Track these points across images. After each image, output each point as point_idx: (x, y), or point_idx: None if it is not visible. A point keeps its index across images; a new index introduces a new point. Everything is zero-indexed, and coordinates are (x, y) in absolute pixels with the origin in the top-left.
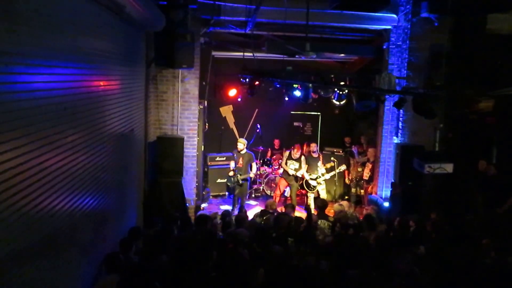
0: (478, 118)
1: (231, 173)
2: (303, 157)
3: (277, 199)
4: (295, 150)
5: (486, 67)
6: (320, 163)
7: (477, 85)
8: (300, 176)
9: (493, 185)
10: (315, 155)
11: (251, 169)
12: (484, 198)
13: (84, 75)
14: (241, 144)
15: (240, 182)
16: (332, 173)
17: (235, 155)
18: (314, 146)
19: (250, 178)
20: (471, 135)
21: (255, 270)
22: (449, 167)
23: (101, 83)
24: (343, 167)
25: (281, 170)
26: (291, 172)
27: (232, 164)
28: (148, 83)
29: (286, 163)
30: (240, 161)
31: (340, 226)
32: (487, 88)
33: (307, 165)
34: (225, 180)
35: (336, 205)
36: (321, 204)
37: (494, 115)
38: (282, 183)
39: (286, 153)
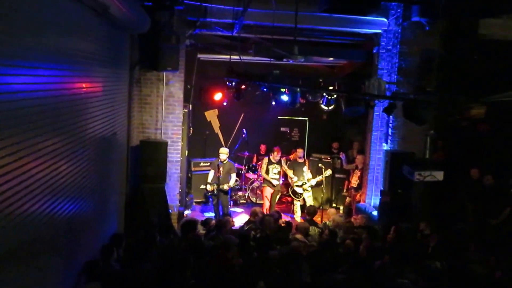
0: (470, 125)
1: (209, 187)
2: (283, 160)
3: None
4: (275, 153)
5: (478, 73)
6: (306, 169)
7: (469, 91)
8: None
9: (486, 194)
10: (300, 160)
11: (230, 179)
12: (476, 207)
13: (66, 76)
14: (224, 154)
15: (215, 191)
16: (318, 178)
17: (219, 163)
18: (300, 152)
19: (229, 189)
20: (463, 143)
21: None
22: (439, 175)
23: (84, 85)
24: (329, 172)
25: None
26: (275, 182)
27: (210, 174)
28: (131, 85)
29: (267, 171)
30: (220, 171)
31: (328, 233)
32: (479, 95)
33: (292, 171)
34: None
35: (331, 210)
36: (310, 210)
37: (487, 122)
38: (267, 191)
39: (265, 160)
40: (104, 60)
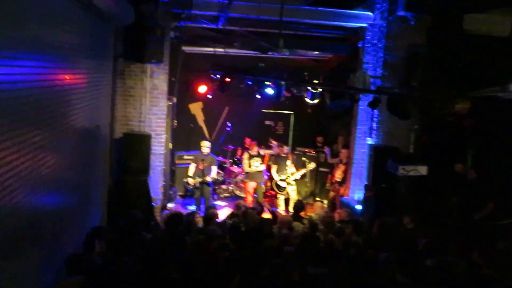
0: (455, 120)
1: (190, 181)
2: (262, 151)
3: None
4: (251, 146)
5: (463, 68)
6: (289, 162)
7: (453, 86)
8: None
9: (470, 189)
10: (284, 155)
11: (211, 172)
12: (460, 202)
13: (49, 68)
14: (206, 148)
15: (197, 185)
16: (302, 172)
17: (203, 157)
18: (285, 148)
19: (211, 182)
20: (447, 137)
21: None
22: (423, 170)
23: (66, 76)
24: (312, 165)
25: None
26: (260, 168)
27: (191, 168)
28: (115, 78)
29: (249, 165)
30: (201, 164)
31: (309, 226)
32: (463, 89)
33: (276, 166)
34: (189, 180)
35: (317, 204)
36: (297, 206)
37: (471, 117)
38: (249, 186)
39: (246, 155)
40: (87, 51)
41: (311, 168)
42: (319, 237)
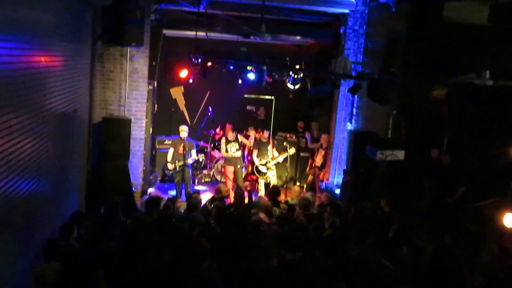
0: (432, 107)
1: (170, 166)
2: (239, 136)
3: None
4: (227, 131)
5: (441, 55)
6: (270, 147)
7: (432, 73)
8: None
9: (444, 174)
10: (264, 139)
11: (190, 156)
12: (434, 186)
13: (24, 49)
14: (184, 132)
15: (178, 169)
16: (283, 156)
17: (184, 141)
18: (266, 133)
19: (190, 164)
20: (424, 123)
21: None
22: (400, 154)
23: (42, 59)
24: (292, 150)
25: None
26: (236, 154)
27: (170, 153)
28: (93, 61)
29: (226, 150)
30: (181, 148)
31: (287, 208)
32: (442, 76)
33: (257, 150)
34: (168, 166)
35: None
36: (273, 191)
37: (447, 104)
38: (229, 171)
39: (223, 140)
40: (64, 33)
41: (291, 153)
42: (296, 220)
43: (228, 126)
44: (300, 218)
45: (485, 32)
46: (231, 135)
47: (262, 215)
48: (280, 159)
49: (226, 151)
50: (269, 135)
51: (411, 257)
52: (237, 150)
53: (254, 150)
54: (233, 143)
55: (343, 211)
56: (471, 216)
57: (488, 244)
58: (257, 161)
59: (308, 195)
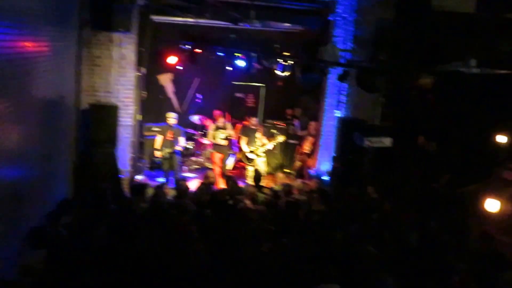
0: (418, 94)
1: (158, 153)
2: (227, 124)
3: (218, 175)
4: (217, 117)
5: (429, 44)
6: (259, 135)
7: (420, 61)
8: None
9: (430, 160)
10: (253, 126)
11: (178, 143)
12: (421, 173)
13: (8, 34)
14: (172, 119)
15: (166, 156)
16: (272, 144)
17: (172, 128)
18: (254, 120)
19: (179, 151)
20: (411, 111)
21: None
22: (388, 141)
23: (27, 44)
24: (281, 138)
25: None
26: (223, 143)
27: (158, 140)
28: (81, 46)
29: (214, 137)
30: (169, 135)
31: (271, 194)
32: (429, 64)
33: (246, 138)
34: (156, 153)
35: (279, 175)
36: (255, 176)
37: (433, 92)
38: (216, 157)
39: (212, 126)
40: (50, 18)
41: (280, 141)
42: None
43: (219, 114)
44: (283, 204)
45: (472, 21)
46: (221, 121)
47: (247, 202)
48: (269, 146)
49: (214, 137)
50: (258, 122)
51: (395, 242)
52: (225, 137)
53: (243, 138)
54: (221, 130)
55: (331, 197)
56: (455, 202)
57: (472, 230)
58: (246, 148)
59: (299, 182)
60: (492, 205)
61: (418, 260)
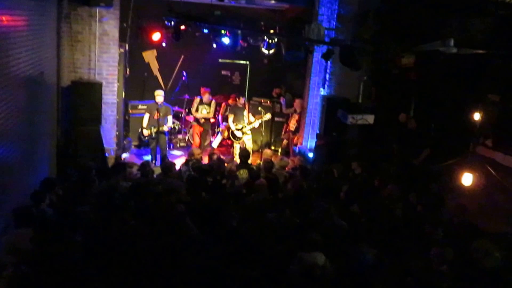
0: (400, 73)
1: (145, 132)
2: (213, 102)
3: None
4: (203, 94)
5: (412, 24)
6: (245, 113)
7: (402, 41)
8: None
9: (410, 137)
10: (240, 105)
11: (167, 122)
12: (402, 149)
13: None
14: (161, 96)
15: (154, 135)
16: (258, 122)
17: (158, 106)
18: (242, 99)
19: (167, 132)
20: (393, 89)
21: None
22: (370, 119)
23: (3, 18)
24: (268, 116)
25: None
26: (202, 120)
27: (145, 118)
28: (60, 21)
29: (197, 109)
30: (157, 114)
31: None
32: (411, 44)
33: (233, 115)
34: (143, 132)
35: (267, 151)
36: (244, 153)
37: (415, 71)
38: (196, 129)
39: (197, 99)
40: None
41: (267, 119)
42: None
43: (206, 90)
44: (261, 181)
45: (453, 2)
46: (206, 97)
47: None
48: (256, 124)
49: (196, 110)
50: (245, 101)
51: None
52: (207, 113)
53: (230, 115)
54: (205, 105)
55: (312, 174)
56: (433, 176)
57: (448, 202)
58: (233, 126)
59: (284, 159)
60: (467, 179)
61: (399, 231)
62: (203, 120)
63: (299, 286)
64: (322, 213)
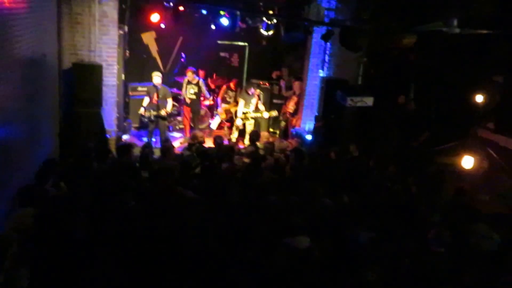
0: (400, 54)
1: (143, 111)
2: (201, 81)
3: (187, 127)
4: (190, 74)
5: (412, 3)
6: (254, 101)
7: (402, 21)
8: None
9: (410, 119)
10: (250, 92)
11: (166, 104)
12: (401, 131)
13: None
14: (158, 77)
15: (152, 118)
16: (267, 114)
17: (157, 88)
18: (252, 89)
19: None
20: (393, 71)
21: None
22: (369, 101)
23: (4, 0)
24: (274, 113)
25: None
26: (188, 100)
27: (145, 100)
28: (60, 3)
29: (185, 89)
30: (155, 97)
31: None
32: (411, 24)
33: (243, 101)
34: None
35: (264, 134)
36: (252, 135)
37: (415, 52)
38: (186, 110)
39: (185, 79)
40: None
41: (273, 115)
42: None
43: (189, 70)
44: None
45: None
46: (190, 75)
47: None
48: (266, 115)
49: (185, 89)
50: (254, 89)
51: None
52: (194, 93)
53: (240, 99)
54: (193, 85)
55: (306, 156)
56: (432, 159)
57: (446, 185)
58: (240, 112)
59: (285, 142)
60: (468, 162)
61: (396, 213)
62: (189, 100)
63: (287, 270)
64: (310, 195)
